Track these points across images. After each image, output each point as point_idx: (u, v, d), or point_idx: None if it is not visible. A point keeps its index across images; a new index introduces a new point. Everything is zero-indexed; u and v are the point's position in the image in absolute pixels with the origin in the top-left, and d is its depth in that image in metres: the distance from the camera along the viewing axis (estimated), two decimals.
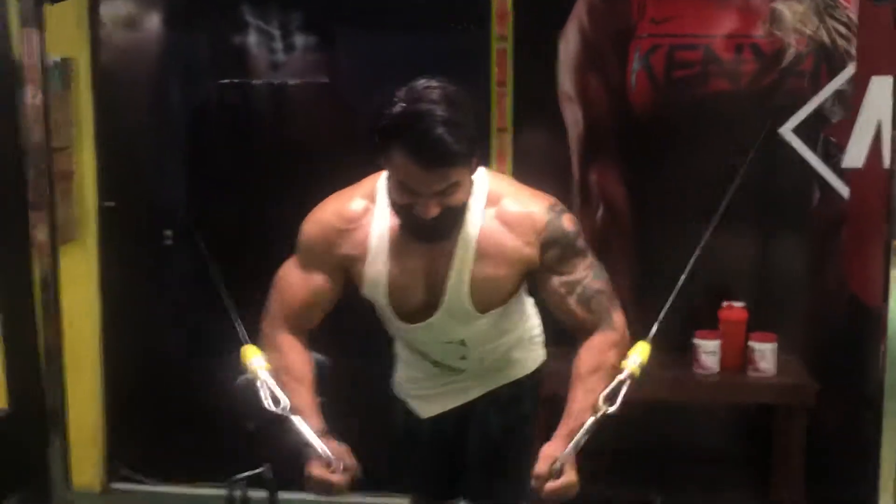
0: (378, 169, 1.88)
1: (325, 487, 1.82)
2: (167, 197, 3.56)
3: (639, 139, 3.23)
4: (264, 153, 3.48)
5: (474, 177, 1.85)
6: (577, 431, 1.79)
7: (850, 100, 3.11)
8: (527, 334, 2.19)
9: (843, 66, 3.11)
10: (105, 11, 3.46)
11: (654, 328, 1.95)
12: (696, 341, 3.08)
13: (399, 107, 1.70)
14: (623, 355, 1.88)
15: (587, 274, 1.90)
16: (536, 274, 1.91)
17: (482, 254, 1.87)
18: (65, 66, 3.35)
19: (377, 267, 1.91)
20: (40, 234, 2.24)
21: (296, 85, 3.46)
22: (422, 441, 2.21)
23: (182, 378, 3.56)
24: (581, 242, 1.91)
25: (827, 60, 3.12)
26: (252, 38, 3.47)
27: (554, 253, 1.87)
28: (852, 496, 3.01)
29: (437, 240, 1.85)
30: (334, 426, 1.90)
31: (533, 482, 1.78)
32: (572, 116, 3.25)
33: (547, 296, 1.93)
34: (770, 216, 3.22)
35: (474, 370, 2.12)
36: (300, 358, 1.96)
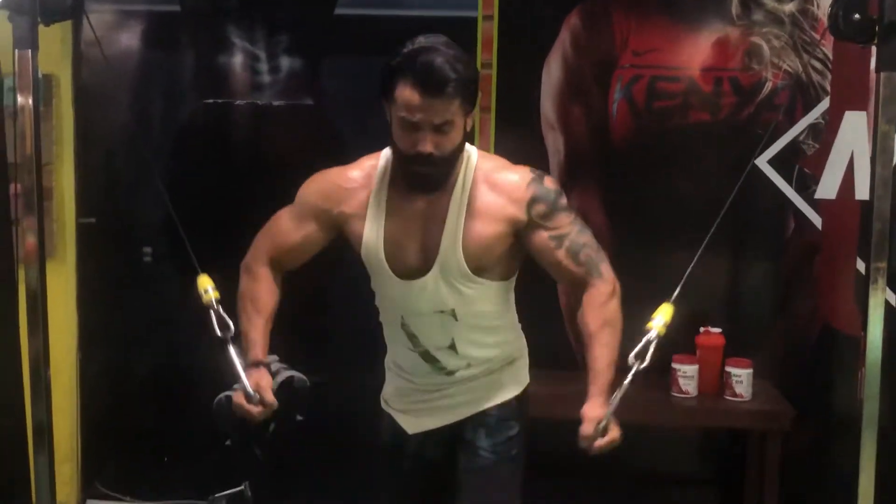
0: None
1: (244, 414, 2.03)
2: (147, 214, 3.55)
3: (619, 167, 3.30)
4: (246, 174, 3.50)
5: (468, 147, 2.03)
6: (607, 388, 1.97)
7: (824, 133, 3.19)
8: (517, 353, 2.22)
9: (817, 101, 3.19)
10: (88, 28, 3.47)
11: (677, 290, 2.07)
12: (675, 365, 3.11)
13: (407, 49, 1.94)
14: (618, 303, 2.05)
15: (573, 228, 2.05)
16: (526, 233, 2.04)
17: (472, 213, 2.02)
18: (46, 82, 3.34)
19: (374, 224, 2.06)
20: (29, 246, 2.24)
21: (279, 106, 3.48)
22: (407, 459, 2.22)
23: (159, 395, 3.54)
24: (563, 200, 2.06)
25: (802, 94, 3.20)
26: (237, 59, 3.49)
27: (539, 209, 2.02)
28: None
29: (432, 189, 2.02)
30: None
31: (582, 442, 1.94)
32: (554, 144, 3.30)
33: (538, 252, 2.06)
34: (746, 244, 3.29)
35: (462, 380, 2.14)
36: (269, 291, 2.14)
